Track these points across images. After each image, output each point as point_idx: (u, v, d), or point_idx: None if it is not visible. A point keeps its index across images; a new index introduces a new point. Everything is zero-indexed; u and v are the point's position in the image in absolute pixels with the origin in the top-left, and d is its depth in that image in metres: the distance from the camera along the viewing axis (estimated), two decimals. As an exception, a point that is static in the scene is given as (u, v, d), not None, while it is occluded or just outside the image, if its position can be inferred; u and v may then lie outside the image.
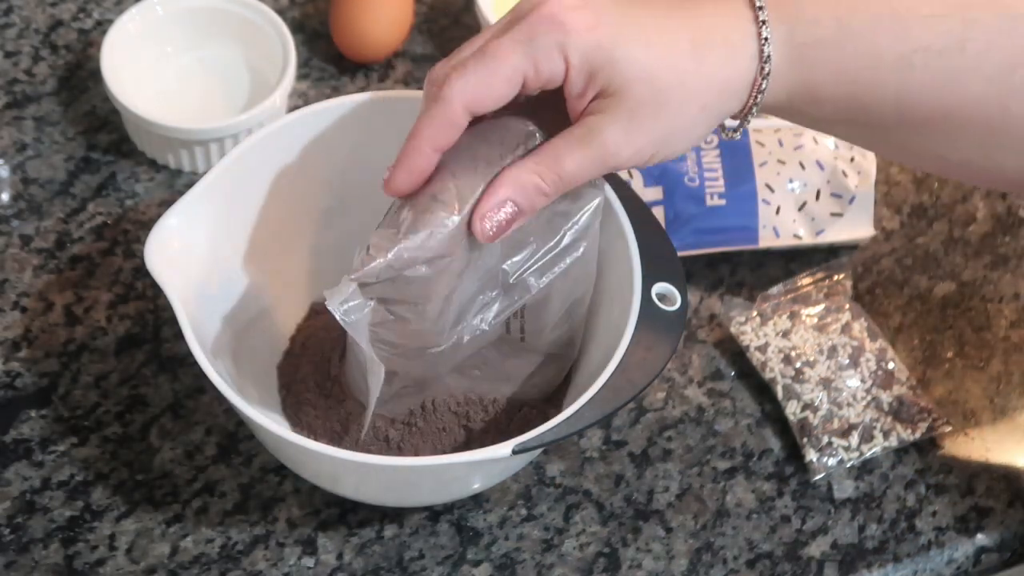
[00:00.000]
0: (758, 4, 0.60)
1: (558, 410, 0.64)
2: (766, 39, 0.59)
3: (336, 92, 0.88)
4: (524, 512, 0.73)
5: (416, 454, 0.68)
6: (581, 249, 0.66)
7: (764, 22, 0.59)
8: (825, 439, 0.75)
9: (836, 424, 0.76)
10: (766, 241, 0.82)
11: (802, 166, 0.83)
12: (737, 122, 0.63)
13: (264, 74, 0.84)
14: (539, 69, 0.58)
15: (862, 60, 0.60)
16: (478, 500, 0.73)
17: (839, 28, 0.60)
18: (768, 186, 0.82)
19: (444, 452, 0.69)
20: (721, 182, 0.82)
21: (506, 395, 0.70)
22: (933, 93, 0.60)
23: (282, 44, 0.83)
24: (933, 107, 0.61)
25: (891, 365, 0.78)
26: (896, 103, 0.61)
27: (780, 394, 0.77)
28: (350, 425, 0.69)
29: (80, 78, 0.86)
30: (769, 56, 0.59)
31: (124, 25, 0.82)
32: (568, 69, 0.58)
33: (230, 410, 0.73)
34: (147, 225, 0.73)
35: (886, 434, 0.76)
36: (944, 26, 0.60)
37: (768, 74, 0.60)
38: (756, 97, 0.61)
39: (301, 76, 0.88)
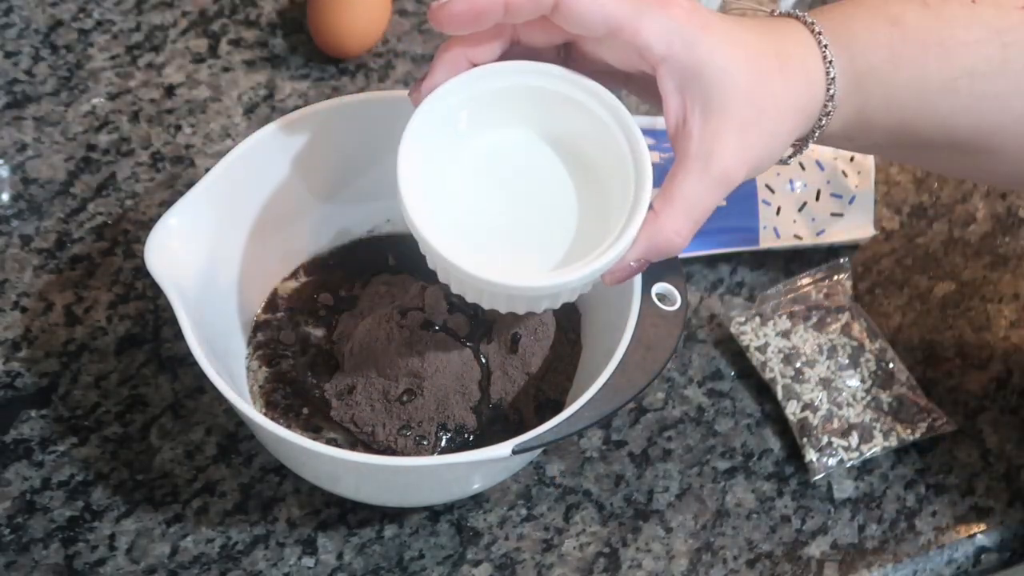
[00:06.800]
0: (816, 30, 0.60)
1: (558, 410, 0.64)
2: (831, 62, 0.59)
3: (336, 92, 0.88)
4: (524, 512, 0.73)
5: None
6: None
7: (826, 46, 0.59)
8: (825, 439, 0.75)
9: (836, 424, 0.76)
10: (766, 241, 0.82)
11: (802, 166, 0.83)
12: (792, 150, 0.63)
13: None
14: (639, 29, 0.56)
15: (912, 86, 0.60)
16: (478, 500, 0.72)
17: (891, 57, 0.60)
18: (768, 187, 0.82)
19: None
20: (721, 182, 0.82)
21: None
22: (979, 114, 0.61)
23: None
24: (979, 127, 0.62)
25: (891, 365, 0.78)
26: (944, 126, 0.62)
27: (780, 394, 0.77)
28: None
29: (80, 78, 0.86)
30: (834, 79, 0.59)
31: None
32: (665, 59, 0.57)
33: (230, 410, 0.73)
34: (147, 225, 0.73)
35: (886, 434, 0.76)
36: (985, 51, 0.60)
37: (833, 97, 0.60)
38: (821, 121, 0.61)
39: (301, 76, 0.88)
